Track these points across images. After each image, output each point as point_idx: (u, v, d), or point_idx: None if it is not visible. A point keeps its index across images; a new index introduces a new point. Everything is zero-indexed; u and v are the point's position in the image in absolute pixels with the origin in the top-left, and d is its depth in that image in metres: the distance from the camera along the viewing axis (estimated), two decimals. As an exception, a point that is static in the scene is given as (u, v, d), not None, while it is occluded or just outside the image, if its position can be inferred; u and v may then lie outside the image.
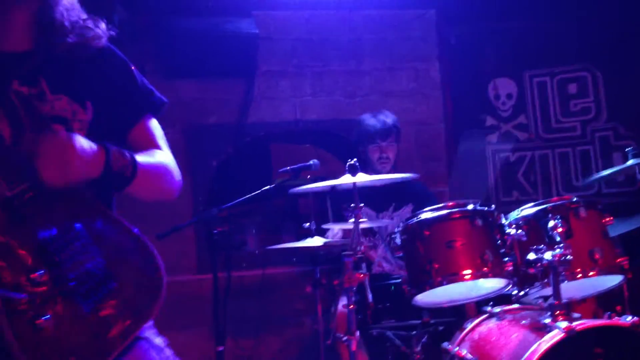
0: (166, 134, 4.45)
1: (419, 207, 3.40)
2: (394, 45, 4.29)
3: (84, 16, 1.49)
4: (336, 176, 2.64)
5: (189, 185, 3.94)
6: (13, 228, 1.29)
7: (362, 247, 2.44)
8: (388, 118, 3.56)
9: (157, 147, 1.60)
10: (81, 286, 1.32)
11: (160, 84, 3.84)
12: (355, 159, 2.55)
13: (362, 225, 2.85)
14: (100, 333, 1.32)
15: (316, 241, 2.84)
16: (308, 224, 2.90)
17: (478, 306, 2.71)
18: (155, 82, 4.52)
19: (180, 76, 3.94)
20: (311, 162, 3.17)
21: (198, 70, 3.91)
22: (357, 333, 2.36)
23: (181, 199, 3.84)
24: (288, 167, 3.18)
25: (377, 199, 3.47)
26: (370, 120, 3.57)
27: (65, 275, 1.30)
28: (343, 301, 2.41)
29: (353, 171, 2.54)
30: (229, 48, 3.85)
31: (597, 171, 3.90)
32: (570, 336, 2.10)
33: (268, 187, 3.14)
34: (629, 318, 2.18)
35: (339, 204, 3.43)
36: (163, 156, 1.59)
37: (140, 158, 1.48)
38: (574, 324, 2.14)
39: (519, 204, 3.12)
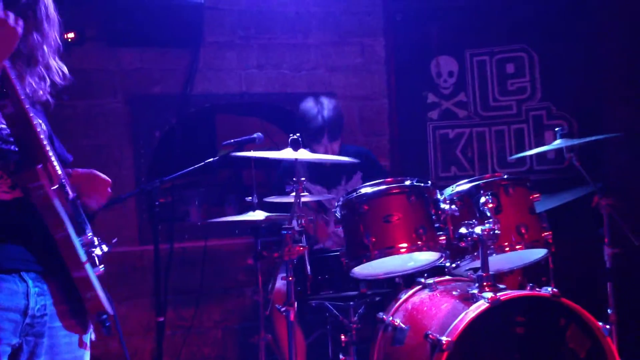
0: (108, 103, 4.43)
1: (367, 174, 3.53)
2: (341, 20, 4.32)
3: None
4: (280, 149, 2.68)
5: (131, 155, 3.90)
6: None
7: (302, 221, 2.50)
8: (331, 111, 3.48)
9: None
10: None
11: (103, 51, 3.83)
12: (298, 135, 2.59)
13: (308, 200, 2.91)
14: None
15: (258, 214, 2.88)
16: (250, 197, 2.94)
17: (412, 278, 2.83)
18: (97, 50, 4.44)
19: (124, 44, 3.86)
20: (255, 135, 3.19)
21: (142, 39, 3.84)
22: (295, 304, 2.44)
23: (123, 170, 3.85)
24: (232, 140, 3.19)
25: (327, 175, 3.53)
26: (309, 112, 3.48)
27: None
28: (282, 273, 2.47)
29: (295, 146, 2.59)
30: (174, 17, 3.79)
31: (530, 149, 4.07)
32: (495, 306, 2.24)
33: (211, 159, 3.15)
34: (549, 289, 2.34)
35: (283, 177, 3.48)
36: None
37: None
38: (499, 294, 2.28)
39: (456, 179, 3.24)
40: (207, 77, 4.06)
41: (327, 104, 3.53)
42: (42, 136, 1.49)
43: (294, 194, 2.54)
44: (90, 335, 1.63)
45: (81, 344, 1.59)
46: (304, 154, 2.59)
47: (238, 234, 3.96)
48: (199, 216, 4.11)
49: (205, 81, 4.05)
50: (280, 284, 2.63)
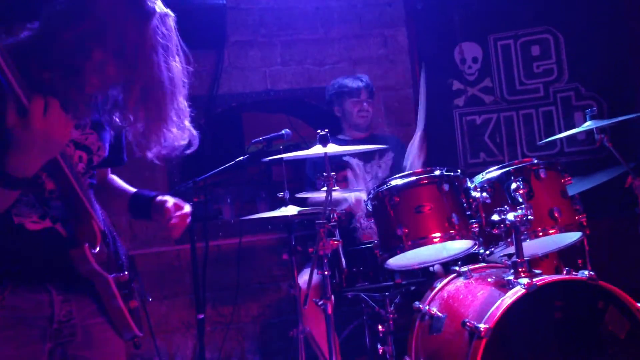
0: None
1: (397, 156, 3.71)
2: (362, 12, 4.32)
3: None
4: (308, 143, 2.71)
5: (162, 158, 3.96)
6: None
7: (335, 215, 2.53)
8: (365, 78, 3.83)
9: (108, 174, 2.00)
10: None
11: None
12: (327, 129, 2.62)
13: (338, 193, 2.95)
14: None
15: (290, 210, 2.92)
16: (282, 193, 2.98)
17: (447, 266, 2.84)
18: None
19: (150, 49, 3.92)
20: (283, 131, 3.24)
21: (167, 43, 3.89)
22: (332, 297, 2.47)
23: (156, 172, 3.92)
24: (261, 137, 3.24)
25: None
26: (347, 80, 3.81)
27: None
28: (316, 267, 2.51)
29: (324, 142, 2.61)
30: (197, 19, 3.83)
31: (559, 131, 4.03)
32: (531, 291, 2.24)
33: (242, 157, 3.20)
34: (586, 272, 2.33)
35: (314, 172, 3.53)
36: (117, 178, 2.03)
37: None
38: (535, 279, 2.28)
39: (486, 165, 3.23)
40: (232, 76, 4.11)
41: (362, 75, 3.88)
42: (86, 199, 1.55)
43: (325, 188, 2.57)
44: None
45: (116, 339, 1.70)
46: (333, 149, 2.62)
47: (271, 230, 4.02)
48: (231, 214, 4.17)
49: (230, 81, 4.10)
50: (315, 277, 2.67)
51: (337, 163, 3.58)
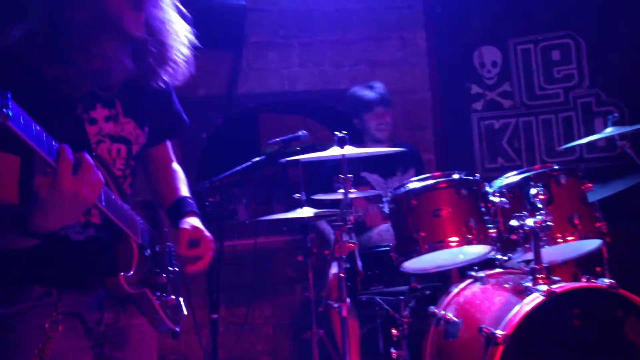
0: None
1: (418, 171, 3.61)
2: (381, 14, 4.31)
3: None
4: (325, 145, 2.70)
5: (179, 158, 3.96)
6: None
7: (352, 217, 2.52)
8: (380, 87, 3.68)
9: (171, 160, 1.89)
10: None
11: (148, 57, 3.91)
12: (344, 132, 2.61)
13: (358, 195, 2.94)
14: None
15: (306, 211, 2.91)
16: (298, 195, 2.97)
17: (463, 271, 2.82)
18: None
19: (168, 48, 3.94)
20: (300, 132, 3.23)
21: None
22: (348, 300, 2.46)
23: (173, 172, 3.93)
24: (278, 138, 3.23)
25: (383, 165, 3.57)
26: (363, 91, 3.67)
27: None
28: (334, 269, 2.50)
29: (342, 143, 2.60)
30: (217, 20, 3.84)
31: (579, 137, 3.98)
32: (550, 298, 2.21)
33: (258, 158, 3.20)
34: (606, 280, 2.29)
35: (331, 174, 3.51)
36: (181, 171, 1.90)
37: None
38: (554, 286, 2.25)
39: (503, 170, 3.20)
40: (250, 77, 4.12)
41: (374, 83, 3.72)
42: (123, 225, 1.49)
43: (342, 190, 2.56)
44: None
45: (150, 340, 1.70)
46: (350, 151, 2.61)
47: (286, 231, 4.01)
48: (247, 214, 4.17)
49: (248, 81, 4.11)
50: (332, 279, 2.66)
51: (353, 180, 3.50)
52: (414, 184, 2.59)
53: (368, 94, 3.63)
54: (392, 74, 4.26)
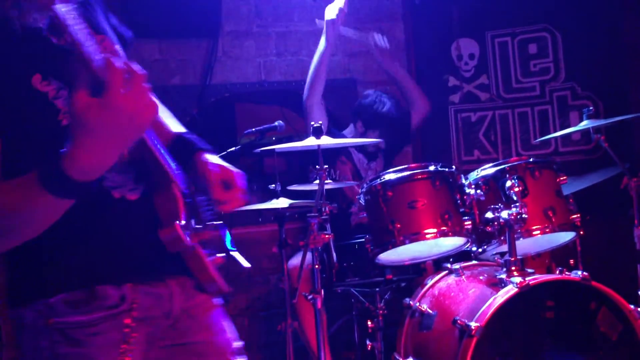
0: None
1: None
2: (359, 5, 4.27)
3: None
4: (301, 136, 2.67)
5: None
6: None
7: (327, 209, 2.49)
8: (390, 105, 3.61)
9: None
10: None
11: (122, 44, 3.83)
12: (320, 122, 2.58)
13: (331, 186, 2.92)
14: None
15: (281, 202, 2.88)
16: (274, 185, 2.94)
17: (438, 263, 2.82)
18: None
19: (142, 36, 3.86)
20: (276, 123, 3.19)
21: (160, 31, 3.84)
22: (322, 291, 2.44)
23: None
24: (253, 128, 3.19)
25: (369, 148, 3.57)
26: (383, 106, 3.59)
27: None
28: (294, 260, 2.48)
29: (317, 133, 2.57)
30: (192, 8, 3.78)
31: (555, 130, 4.01)
32: (524, 290, 2.21)
33: (233, 148, 3.15)
34: (579, 273, 2.30)
35: (306, 163, 3.49)
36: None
37: None
38: (528, 279, 2.25)
39: (479, 163, 3.20)
40: (226, 66, 4.06)
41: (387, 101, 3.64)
42: (165, 164, 1.28)
43: (317, 181, 2.53)
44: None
45: (219, 314, 1.51)
46: (326, 141, 2.58)
47: (262, 222, 3.97)
48: (222, 205, 4.11)
49: (224, 71, 4.05)
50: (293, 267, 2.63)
51: (339, 150, 3.53)
52: (389, 175, 2.57)
53: (387, 110, 3.58)
54: (370, 64, 4.23)
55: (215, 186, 1.44)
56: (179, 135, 1.56)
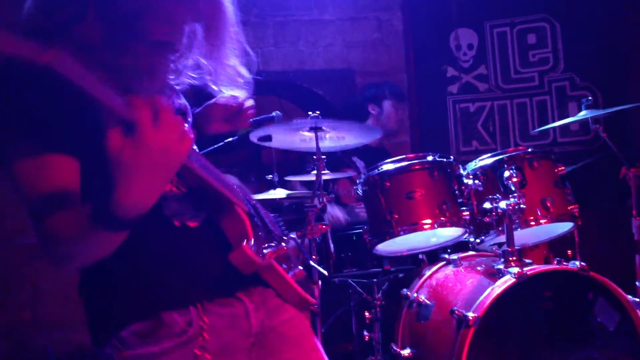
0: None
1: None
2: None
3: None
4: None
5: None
6: None
7: (324, 199, 2.48)
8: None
9: None
10: None
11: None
12: (318, 112, 2.56)
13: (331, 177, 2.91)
14: None
15: (279, 193, 2.87)
16: (271, 176, 2.93)
17: (436, 254, 2.81)
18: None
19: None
20: (274, 113, 3.16)
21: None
22: (320, 282, 2.43)
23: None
24: (251, 119, 3.17)
25: (371, 155, 3.55)
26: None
27: None
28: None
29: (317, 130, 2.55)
30: (188, -4, 3.75)
31: (553, 121, 3.99)
32: (522, 281, 2.21)
33: (231, 139, 3.13)
34: (577, 263, 2.30)
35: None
36: None
37: None
38: (525, 269, 2.25)
39: (478, 153, 3.19)
40: (223, 56, 4.03)
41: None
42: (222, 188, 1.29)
43: (314, 172, 2.52)
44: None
45: (307, 330, 1.48)
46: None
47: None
48: (219, 196, 4.10)
49: (221, 61, 4.02)
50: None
51: (342, 159, 3.50)
52: (387, 165, 2.56)
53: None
54: (368, 54, 4.21)
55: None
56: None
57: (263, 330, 1.37)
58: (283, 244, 1.41)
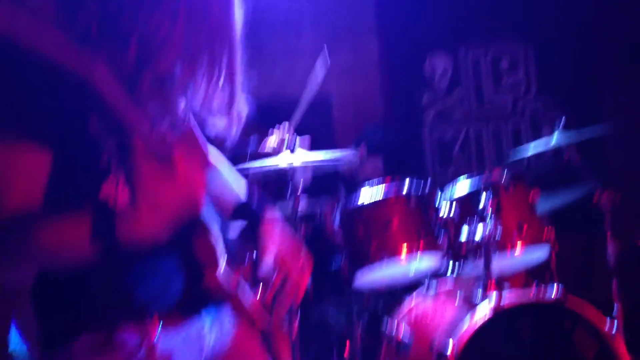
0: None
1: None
2: (332, 20, 4.26)
3: None
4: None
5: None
6: None
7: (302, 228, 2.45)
8: None
9: None
10: None
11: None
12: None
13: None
14: None
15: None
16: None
17: (415, 285, 2.78)
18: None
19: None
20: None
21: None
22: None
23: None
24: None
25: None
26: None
27: None
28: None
29: (293, 150, 2.53)
30: None
31: (528, 145, 4.02)
32: (499, 313, 2.20)
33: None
34: (555, 290, 2.29)
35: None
36: None
37: None
38: (503, 298, 2.23)
39: (454, 178, 3.19)
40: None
41: None
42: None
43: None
44: None
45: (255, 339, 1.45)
46: (302, 158, 2.53)
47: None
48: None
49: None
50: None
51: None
52: (364, 196, 2.55)
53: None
54: (343, 80, 4.21)
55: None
56: (241, 204, 1.52)
57: (214, 352, 1.34)
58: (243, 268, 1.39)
